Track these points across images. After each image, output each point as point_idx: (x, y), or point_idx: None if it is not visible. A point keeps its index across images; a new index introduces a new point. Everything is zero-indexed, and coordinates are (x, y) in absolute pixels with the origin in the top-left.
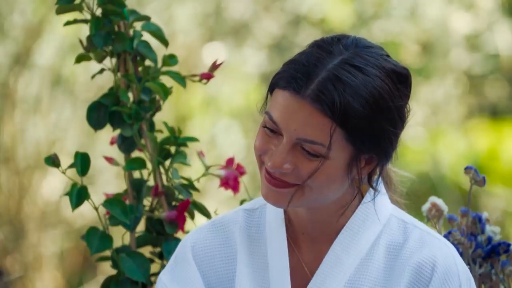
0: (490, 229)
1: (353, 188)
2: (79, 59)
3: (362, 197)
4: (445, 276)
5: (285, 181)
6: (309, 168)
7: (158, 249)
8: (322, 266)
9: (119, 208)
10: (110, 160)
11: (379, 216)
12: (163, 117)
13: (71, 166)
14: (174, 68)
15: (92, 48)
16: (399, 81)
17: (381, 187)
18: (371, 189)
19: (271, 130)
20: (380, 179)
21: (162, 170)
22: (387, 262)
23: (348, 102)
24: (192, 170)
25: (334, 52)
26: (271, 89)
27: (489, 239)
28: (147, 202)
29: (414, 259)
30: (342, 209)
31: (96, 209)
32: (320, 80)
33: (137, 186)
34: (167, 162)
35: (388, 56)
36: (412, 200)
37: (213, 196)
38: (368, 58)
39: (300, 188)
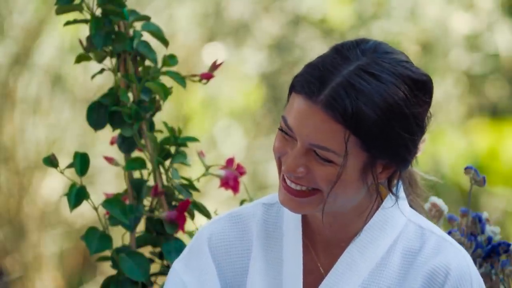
0: (490, 229)
1: (372, 194)
2: (79, 59)
3: (382, 201)
4: (458, 283)
5: (302, 191)
6: (322, 173)
7: (158, 249)
8: (336, 267)
9: (119, 208)
10: (110, 160)
11: (396, 221)
12: (163, 117)
13: (69, 166)
14: (174, 68)
15: (92, 48)
16: (417, 88)
17: (401, 191)
18: (390, 194)
19: (286, 133)
20: (399, 183)
21: (162, 170)
22: (402, 268)
23: (361, 109)
24: (192, 170)
25: (351, 58)
26: (290, 92)
27: (489, 239)
28: (147, 202)
29: (429, 265)
30: (360, 214)
31: (95, 209)
32: (334, 86)
33: (137, 186)
34: (167, 162)
35: (407, 62)
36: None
37: (213, 196)
38: (384, 65)
39: (319, 195)
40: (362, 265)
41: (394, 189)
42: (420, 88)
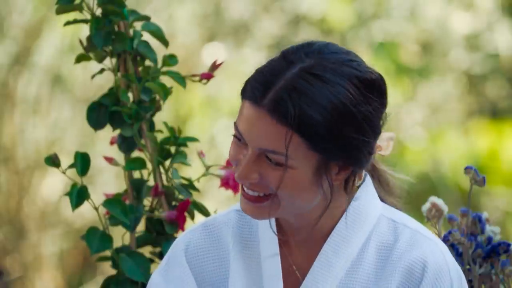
0: (490, 229)
1: (340, 191)
2: (79, 59)
3: (352, 198)
4: (436, 276)
5: (259, 196)
6: (274, 177)
7: (158, 249)
8: (312, 270)
9: (119, 208)
10: (110, 160)
11: (368, 217)
12: (163, 117)
13: (71, 166)
14: (174, 68)
15: (92, 48)
16: (365, 86)
17: (369, 186)
18: (360, 190)
19: (239, 139)
20: (368, 177)
21: (162, 170)
22: (378, 263)
23: (304, 111)
24: (192, 170)
25: (294, 61)
26: (241, 98)
27: (489, 239)
28: (147, 202)
29: (405, 260)
30: (332, 213)
31: (96, 209)
32: (277, 89)
33: (137, 186)
34: (167, 162)
35: (354, 61)
36: (412, 200)
37: (213, 196)
38: (329, 65)
39: (275, 199)
40: (338, 264)
41: (348, 190)
42: (369, 86)
